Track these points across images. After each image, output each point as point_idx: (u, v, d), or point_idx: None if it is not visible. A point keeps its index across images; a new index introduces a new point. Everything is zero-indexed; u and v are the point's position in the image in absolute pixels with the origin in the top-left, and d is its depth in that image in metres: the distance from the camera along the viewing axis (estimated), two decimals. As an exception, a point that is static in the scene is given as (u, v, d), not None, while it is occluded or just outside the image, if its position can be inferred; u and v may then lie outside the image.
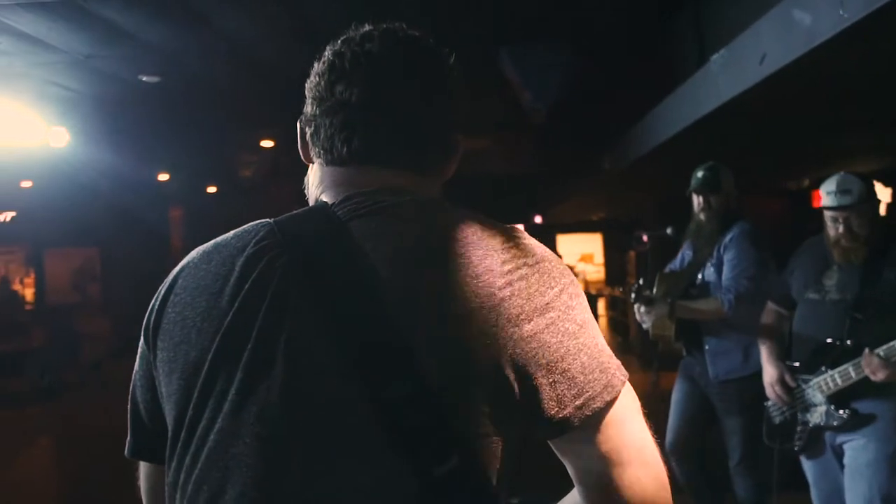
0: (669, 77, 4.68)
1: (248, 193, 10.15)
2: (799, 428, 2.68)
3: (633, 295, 3.22)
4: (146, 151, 7.75)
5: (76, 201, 9.25)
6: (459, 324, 0.78)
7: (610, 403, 0.82)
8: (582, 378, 0.81)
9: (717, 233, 3.11)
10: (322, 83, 0.94)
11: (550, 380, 0.80)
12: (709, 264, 3.12)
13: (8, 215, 10.60)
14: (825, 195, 2.62)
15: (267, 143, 8.01)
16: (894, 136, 5.56)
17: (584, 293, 0.88)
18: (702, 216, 3.17)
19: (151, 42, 4.35)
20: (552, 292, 0.82)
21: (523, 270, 0.82)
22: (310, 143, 0.97)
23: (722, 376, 3.07)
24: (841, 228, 2.57)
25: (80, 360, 9.66)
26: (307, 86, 0.97)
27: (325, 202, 0.92)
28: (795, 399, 2.69)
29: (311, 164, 1.00)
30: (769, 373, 2.75)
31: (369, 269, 0.81)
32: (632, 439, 0.83)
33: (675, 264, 3.40)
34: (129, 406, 0.96)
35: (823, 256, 2.67)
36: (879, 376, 2.37)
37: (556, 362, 0.80)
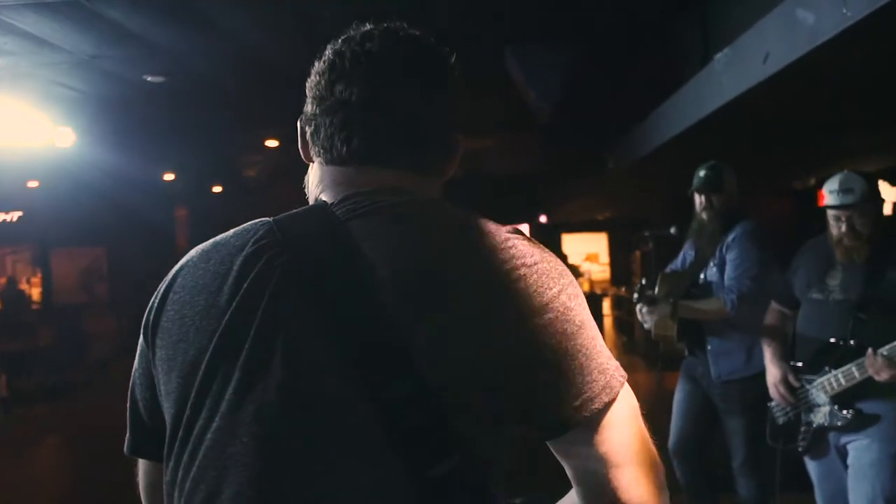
0: (673, 76, 4.66)
1: (254, 193, 10.18)
2: (802, 428, 2.67)
3: (635, 295, 3.21)
4: (152, 151, 7.77)
5: (82, 201, 9.30)
6: (458, 324, 0.79)
7: (608, 405, 0.82)
8: (580, 379, 0.81)
9: (720, 232, 3.08)
10: (322, 82, 0.94)
11: (549, 380, 0.80)
12: (711, 264, 3.10)
13: (14, 215, 10.65)
14: (828, 194, 2.61)
15: (272, 143, 8.02)
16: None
17: (583, 294, 0.88)
18: (704, 215, 3.15)
19: (157, 42, 4.35)
20: (550, 293, 0.82)
21: (522, 271, 0.82)
22: (310, 143, 0.97)
23: (724, 377, 3.05)
24: (844, 227, 2.55)
25: (87, 359, 9.69)
26: (307, 85, 0.97)
27: (325, 201, 0.92)
28: (799, 399, 2.68)
29: (311, 164, 1.00)
30: (773, 373, 2.74)
31: (368, 269, 0.81)
32: (630, 440, 0.82)
33: (677, 264, 3.39)
34: (128, 404, 0.96)
35: (827, 256, 2.65)
36: (883, 376, 2.36)
37: (555, 363, 0.80)
